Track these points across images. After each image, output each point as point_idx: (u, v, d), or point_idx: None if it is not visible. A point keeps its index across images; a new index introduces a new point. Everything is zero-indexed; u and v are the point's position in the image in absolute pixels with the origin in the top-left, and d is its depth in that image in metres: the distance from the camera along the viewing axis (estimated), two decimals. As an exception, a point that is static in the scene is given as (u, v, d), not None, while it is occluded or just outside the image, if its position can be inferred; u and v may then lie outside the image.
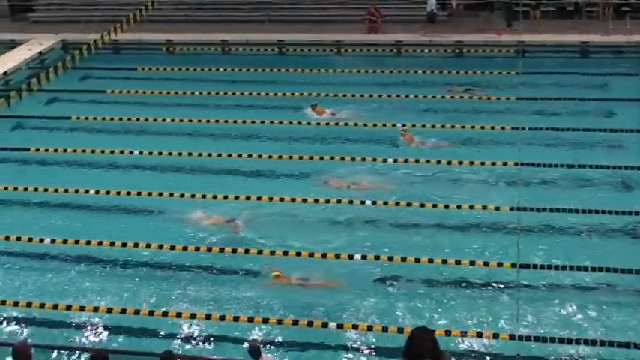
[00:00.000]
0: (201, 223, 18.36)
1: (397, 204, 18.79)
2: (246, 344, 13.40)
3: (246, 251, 17.01)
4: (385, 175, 20.49)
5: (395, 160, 20.97)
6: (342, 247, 17.12)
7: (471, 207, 18.45)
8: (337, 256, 16.64)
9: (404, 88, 26.30)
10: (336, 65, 29.53)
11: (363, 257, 16.62)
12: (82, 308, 15.35)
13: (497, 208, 18.27)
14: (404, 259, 16.39)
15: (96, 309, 15.34)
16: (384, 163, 20.90)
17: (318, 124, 23.78)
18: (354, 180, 20.09)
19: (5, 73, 28.95)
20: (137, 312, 15.18)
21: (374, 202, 18.78)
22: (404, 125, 22.69)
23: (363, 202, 18.77)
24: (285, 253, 16.77)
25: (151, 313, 15.17)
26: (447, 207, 18.49)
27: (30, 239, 17.77)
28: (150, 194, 19.64)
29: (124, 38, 31.71)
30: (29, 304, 15.51)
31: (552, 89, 25.73)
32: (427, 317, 14.86)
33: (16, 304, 15.61)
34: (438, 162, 20.72)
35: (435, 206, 18.54)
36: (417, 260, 16.31)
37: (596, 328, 14.52)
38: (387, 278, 16.11)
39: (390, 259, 16.52)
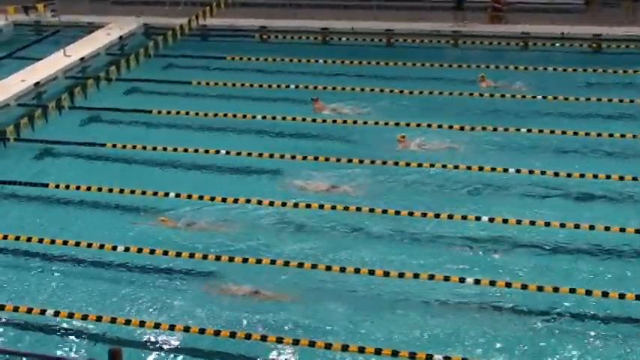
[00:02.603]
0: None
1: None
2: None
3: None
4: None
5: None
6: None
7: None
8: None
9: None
10: (451, 59, 29.08)
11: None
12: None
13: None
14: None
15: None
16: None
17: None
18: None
19: (82, 59, 29.42)
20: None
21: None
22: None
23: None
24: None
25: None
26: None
27: (101, 246, 18.00)
28: (236, 201, 19.69)
29: (212, 23, 32.12)
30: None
31: None
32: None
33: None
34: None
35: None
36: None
37: None
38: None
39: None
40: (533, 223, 18.21)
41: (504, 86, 26.23)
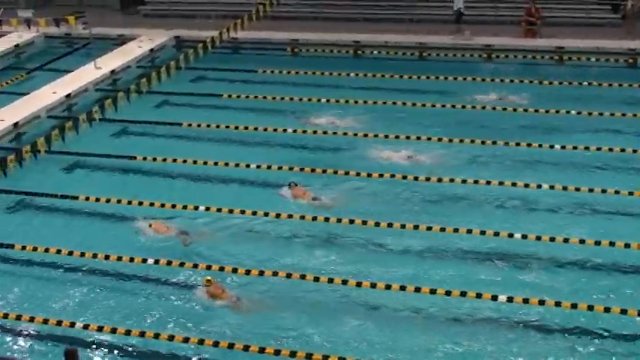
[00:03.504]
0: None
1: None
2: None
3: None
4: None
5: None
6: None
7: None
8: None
9: (569, 103, 25.65)
10: (484, 72, 28.98)
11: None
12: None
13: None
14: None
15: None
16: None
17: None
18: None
19: (113, 71, 29.63)
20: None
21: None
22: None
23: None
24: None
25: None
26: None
27: (118, 258, 18.04)
28: (267, 214, 19.74)
29: (243, 36, 32.27)
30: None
31: None
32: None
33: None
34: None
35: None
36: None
37: None
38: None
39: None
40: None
41: (505, 99, 26.40)
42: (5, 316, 16.46)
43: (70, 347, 13.61)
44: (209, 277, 17.01)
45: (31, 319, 16.24)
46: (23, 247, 18.74)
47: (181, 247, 18.75)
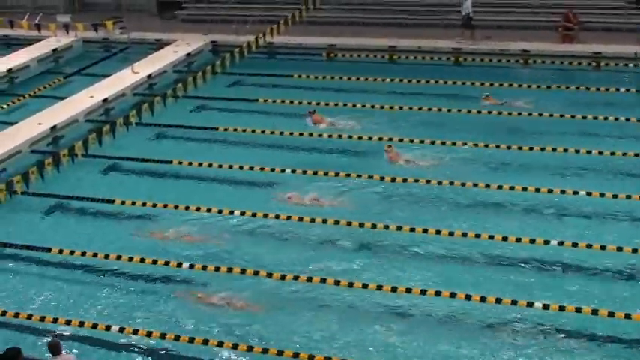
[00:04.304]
0: None
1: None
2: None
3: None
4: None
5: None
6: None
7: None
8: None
9: (596, 108, 25.52)
10: (521, 78, 28.78)
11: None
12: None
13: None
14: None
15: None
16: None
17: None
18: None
19: (150, 76, 29.80)
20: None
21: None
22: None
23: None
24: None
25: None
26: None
27: (166, 262, 18.12)
28: (301, 219, 19.70)
29: (280, 41, 32.34)
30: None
31: None
32: None
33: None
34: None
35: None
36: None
37: None
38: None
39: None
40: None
41: (508, 103, 26.30)
42: (42, 318, 16.57)
43: (53, 339, 14.04)
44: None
45: (68, 322, 16.33)
46: (60, 251, 18.87)
47: (219, 252, 18.77)
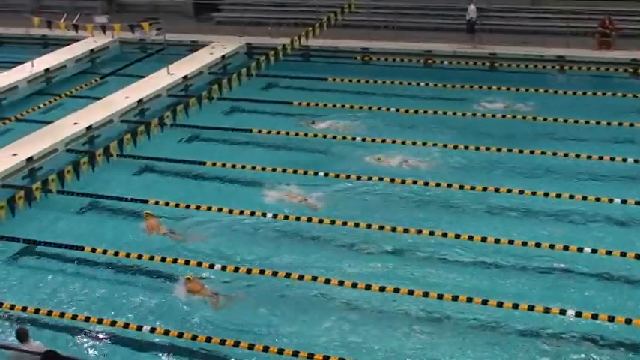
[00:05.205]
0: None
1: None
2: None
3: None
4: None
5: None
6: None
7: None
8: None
9: (631, 115, 25.24)
10: (555, 84, 28.50)
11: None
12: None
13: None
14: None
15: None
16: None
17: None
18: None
19: (185, 77, 29.85)
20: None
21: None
22: None
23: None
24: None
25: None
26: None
27: (185, 262, 18.10)
28: (334, 222, 19.64)
29: (315, 44, 32.28)
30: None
31: None
32: None
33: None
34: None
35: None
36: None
37: None
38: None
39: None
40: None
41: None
42: (74, 317, 16.64)
43: (22, 327, 14.22)
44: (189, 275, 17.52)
45: (99, 321, 16.38)
46: (93, 249, 18.96)
47: (257, 255, 18.84)
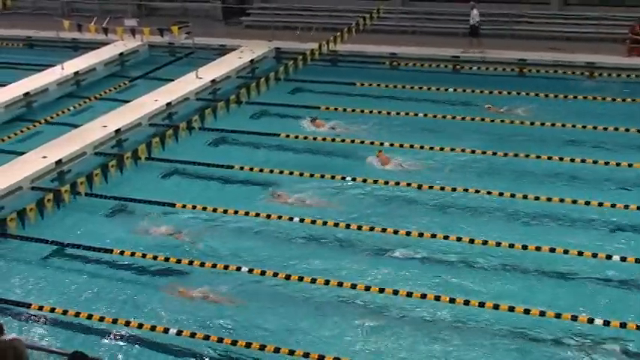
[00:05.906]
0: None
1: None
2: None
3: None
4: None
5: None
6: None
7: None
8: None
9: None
10: (585, 91, 28.28)
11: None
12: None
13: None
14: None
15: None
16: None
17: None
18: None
19: (214, 81, 29.92)
20: None
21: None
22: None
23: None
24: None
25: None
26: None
27: (226, 267, 18.12)
28: (361, 227, 19.61)
29: (343, 49, 32.26)
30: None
31: None
32: None
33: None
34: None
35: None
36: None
37: None
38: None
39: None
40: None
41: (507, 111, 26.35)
42: (101, 319, 16.68)
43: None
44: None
45: (127, 323, 16.42)
46: (121, 252, 19.01)
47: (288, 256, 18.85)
